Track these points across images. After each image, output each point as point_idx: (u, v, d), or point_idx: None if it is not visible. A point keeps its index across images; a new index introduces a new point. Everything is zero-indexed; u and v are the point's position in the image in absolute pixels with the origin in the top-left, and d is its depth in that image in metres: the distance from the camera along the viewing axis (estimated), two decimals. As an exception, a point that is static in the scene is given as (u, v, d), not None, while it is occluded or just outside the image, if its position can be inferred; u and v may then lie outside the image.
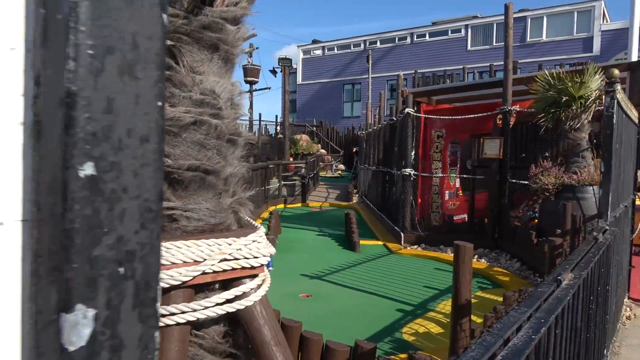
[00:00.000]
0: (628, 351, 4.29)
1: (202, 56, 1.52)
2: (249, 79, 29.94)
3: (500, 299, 3.52)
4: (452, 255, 6.85)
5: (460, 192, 9.07)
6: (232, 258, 1.53)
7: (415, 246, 7.56)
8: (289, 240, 8.17)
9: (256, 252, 1.60)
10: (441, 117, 8.06)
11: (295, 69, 38.64)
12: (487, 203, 7.46)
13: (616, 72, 3.11)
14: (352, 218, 7.93)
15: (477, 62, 25.55)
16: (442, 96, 8.59)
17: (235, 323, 1.64)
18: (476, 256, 6.76)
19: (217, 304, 1.52)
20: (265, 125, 32.13)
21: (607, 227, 3.28)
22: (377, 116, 11.88)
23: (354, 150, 24.96)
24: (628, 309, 5.11)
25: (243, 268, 1.56)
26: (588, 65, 5.91)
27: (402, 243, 7.69)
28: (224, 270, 1.53)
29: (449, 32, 29.10)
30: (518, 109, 6.93)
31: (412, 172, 7.68)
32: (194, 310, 1.48)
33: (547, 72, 6.00)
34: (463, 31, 28.55)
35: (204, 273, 1.48)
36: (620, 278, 4.59)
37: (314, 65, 37.40)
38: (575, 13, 24.34)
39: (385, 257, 7.07)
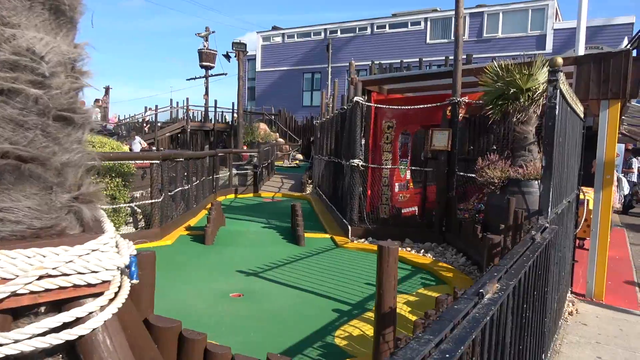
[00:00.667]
0: (569, 349, 4.18)
1: (15, 2, 1.14)
2: (204, 63, 29.02)
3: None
4: (400, 249, 6.67)
5: (411, 184, 8.91)
6: (60, 274, 1.16)
7: (363, 240, 7.33)
8: (231, 233, 7.78)
9: (96, 265, 1.22)
10: (391, 107, 7.83)
11: (255, 55, 37.83)
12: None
13: (559, 60, 2.89)
14: (297, 210, 7.62)
15: (436, 55, 25.62)
16: (393, 85, 8.36)
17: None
18: (422, 250, 6.59)
19: (39, 335, 1.16)
20: (222, 112, 31.28)
21: (547, 225, 3.10)
22: (330, 105, 11.58)
23: (311, 140, 24.67)
24: (570, 304, 5.04)
25: (76, 286, 1.19)
26: (536, 58, 5.78)
27: (350, 236, 7.45)
28: (47, 290, 1.16)
29: (409, 24, 29.09)
30: (467, 101, 6.77)
31: (361, 163, 7.42)
32: (13, 342, 1.13)
33: (495, 63, 5.83)
34: (422, 24, 28.59)
35: (14, 294, 1.12)
36: (563, 274, 4.49)
37: (274, 52, 36.74)
38: (530, 11, 24.78)
39: (330, 251, 6.81)
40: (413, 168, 8.46)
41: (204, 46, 29.16)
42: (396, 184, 8.48)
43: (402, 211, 8.07)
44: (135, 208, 7.60)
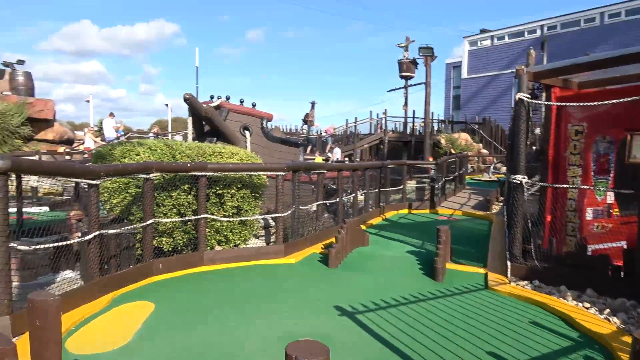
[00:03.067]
0: None
1: None
2: (404, 74, 28.44)
3: None
4: (571, 304, 4.71)
5: (616, 210, 6.51)
6: None
7: (525, 283, 5.50)
8: (365, 255, 6.78)
9: None
10: (580, 104, 5.77)
11: (460, 62, 35.78)
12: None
13: None
14: (442, 235, 6.18)
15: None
16: (587, 77, 6.19)
17: None
18: (607, 310, 4.51)
19: None
20: (418, 123, 30.18)
21: None
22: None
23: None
24: None
25: None
26: None
27: (508, 275, 5.69)
28: None
29: (654, 7, 23.48)
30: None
31: (524, 180, 5.61)
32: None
33: None
34: (675, 5, 22.75)
35: None
36: None
37: (482, 56, 34.08)
38: None
39: (473, 294, 5.23)
40: (617, 191, 6.11)
41: (404, 56, 28.65)
42: (588, 209, 6.27)
43: (591, 248, 5.87)
44: (270, 221, 7.26)
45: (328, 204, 9.49)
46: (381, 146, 28.58)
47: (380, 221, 10.40)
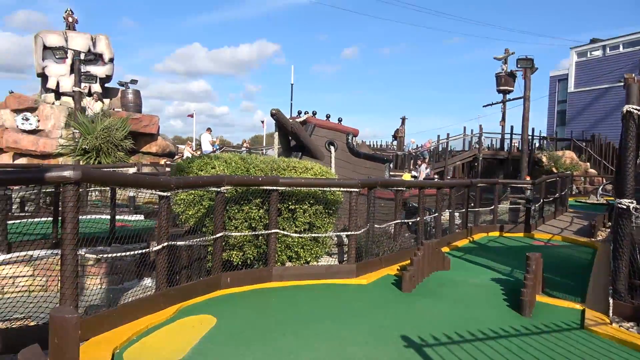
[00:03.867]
0: None
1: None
2: (501, 87, 26.99)
3: None
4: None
5: None
6: None
7: (630, 325, 4.70)
8: (445, 280, 6.27)
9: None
10: None
11: (566, 75, 33.24)
12: None
13: None
14: (532, 263, 5.51)
15: None
16: None
17: None
18: None
19: None
20: (517, 140, 28.34)
21: None
22: None
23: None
24: None
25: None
26: None
27: (610, 314, 4.91)
28: None
29: None
30: None
31: (632, 205, 4.82)
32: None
33: None
34: None
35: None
36: None
37: (591, 68, 31.38)
38: None
39: (563, 333, 4.56)
40: None
41: (502, 69, 27.21)
42: None
43: None
44: (344, 239, 7.03)
45: (410, 223, 9.06)
46: (475, 164, 27.21)
47: (466, 243, 9.71)
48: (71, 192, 3.53)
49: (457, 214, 10.48)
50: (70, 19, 20.67)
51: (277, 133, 12.05)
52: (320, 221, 6.41)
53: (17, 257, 7.15)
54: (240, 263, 5.98)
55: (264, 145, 34.85)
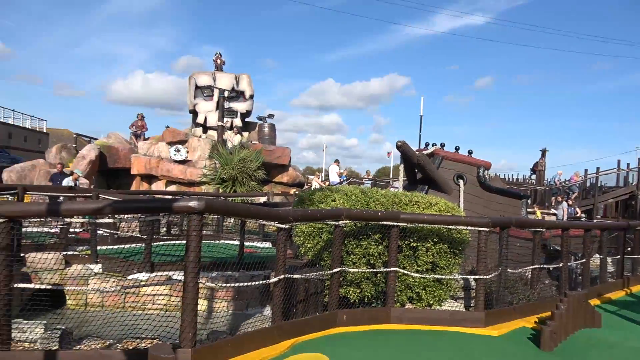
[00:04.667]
0: None
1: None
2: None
3: None
4: None
5: None
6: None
7: None
8: (595, 340, 5.33)
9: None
10: None
11: None
12: None
13: None
14: None
15: None
16: None
17: None
18: None
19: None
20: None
21: None
22: None
23: None
24: None
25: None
26: None
27: None
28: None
29: None
30: None
31: None
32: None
33: None
34: None
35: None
36: None
37: None
38: None
39: None
40: None
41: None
42: None
43: None
44: (472, 283, 6.43)
45: (550, 269, 8.04)
46: (632, 202, 23.79)
47: (621, 296, 8.30)
48: (196, 221, 3.67)
49: (609, 260, 9.09)
50: (218, 61, 22.90)
51: (402, 165, 11.75)
52: (445, 261, 5.94)
53: (157, 276, 7.79)
54: (357, 300, 5.75)
55: (391, 177, 34.59)
